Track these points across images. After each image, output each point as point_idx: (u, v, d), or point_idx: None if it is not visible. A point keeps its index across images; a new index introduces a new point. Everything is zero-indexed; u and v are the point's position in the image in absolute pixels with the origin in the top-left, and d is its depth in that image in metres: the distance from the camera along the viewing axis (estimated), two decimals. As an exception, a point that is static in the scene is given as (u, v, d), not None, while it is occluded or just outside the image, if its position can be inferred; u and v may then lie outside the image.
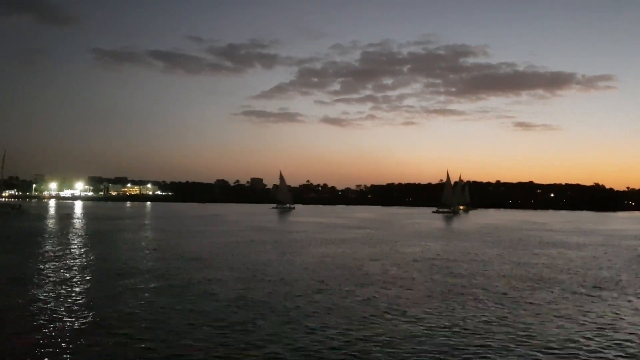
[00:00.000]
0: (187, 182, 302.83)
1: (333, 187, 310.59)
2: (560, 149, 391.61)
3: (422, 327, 16.34)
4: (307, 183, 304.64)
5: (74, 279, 23.83)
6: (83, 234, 50.68)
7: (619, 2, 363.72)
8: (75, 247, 38.09)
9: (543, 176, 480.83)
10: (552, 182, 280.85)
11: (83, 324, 15.97)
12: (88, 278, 24.30)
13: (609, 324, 17.27)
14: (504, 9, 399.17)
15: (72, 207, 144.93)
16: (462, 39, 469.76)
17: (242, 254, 35.64)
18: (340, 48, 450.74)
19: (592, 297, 22.00)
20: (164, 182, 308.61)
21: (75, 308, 18.02)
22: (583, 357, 13.81)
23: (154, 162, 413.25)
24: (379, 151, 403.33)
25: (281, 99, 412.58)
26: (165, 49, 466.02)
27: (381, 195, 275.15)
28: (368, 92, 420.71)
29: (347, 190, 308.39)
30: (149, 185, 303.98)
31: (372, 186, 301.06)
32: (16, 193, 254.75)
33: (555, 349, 14.40)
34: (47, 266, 27.75)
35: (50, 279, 23.81)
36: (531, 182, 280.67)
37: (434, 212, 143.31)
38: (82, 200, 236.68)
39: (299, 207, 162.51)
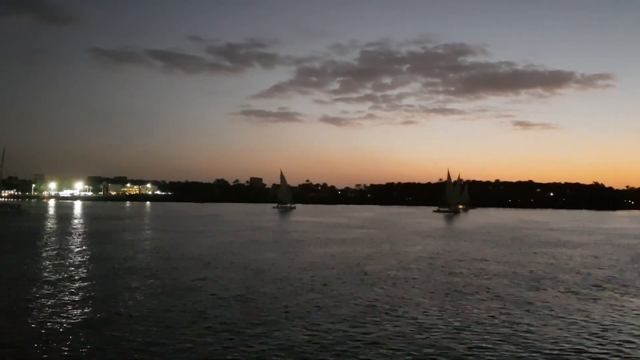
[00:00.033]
0: (186, 181, 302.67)
1: (332, 187, 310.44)
2: (559, 148, 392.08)
3: (424, 327, 16.27)
4: (306, 182, 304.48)
5: (74, 279, 23.73)
6: (82, 234, 50.56)
7: (618, 1, 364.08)
8: (75, 247, 37.99)
9: (542, 175, 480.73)
10: (551, 181, 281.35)
11: (83, 324, 15.88)
12: (88, 278, 24.20)
13: (613, 323, 17.22)
14: (502, 8, 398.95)
15: (71, 207, 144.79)
16: (461, 38, 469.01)
17: (243, 253, 35.55)
18: (339, 47, 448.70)
19: (595, 297, 21.93)
20: (163, 181, 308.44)
21: (75, 308, 17.93)
22: (587, 357, 13.72)
23: (154, 161, 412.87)
24: (379, 150, 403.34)
25: (280, 98, 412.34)
26: (164, 48, 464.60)
27: (381, 194, 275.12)
28: (367, 92, 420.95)
29: (347, 189, 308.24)
30: (148, 185, 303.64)
31: (372, 185, 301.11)
32: (16, 193, 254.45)
33: (559, 348, 14.32)
34: (46, 266, 27.65)
35: (50, 279, 23.72)
36: (530, 181, 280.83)
37: (435, 211, 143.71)
38: (81, 200, 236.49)
39: (298, 206, 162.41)
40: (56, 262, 29.43)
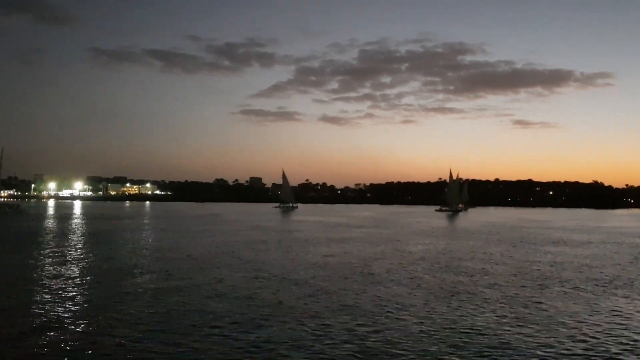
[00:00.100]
0: (186, 181, 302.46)
1: (332, 186, 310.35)
2: (559, 147, 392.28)
3: (428, 327, 16.12)
4: (306, 182, 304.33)
5: (74, 280, 23.56)
6: (82, 234, 50.40)
7: (618, 1, 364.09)
8: (74, 247, 37.82)
9: (542, 174, 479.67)
10: (550, 180, 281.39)
11: (83, 324, 15.73)
12: (88, 279, 24.03)
13: (621, 322, 17.06)
14: (501, 6, 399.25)
15: (71, 207, 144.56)
16: (460, 37, 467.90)
17: (245, 253, 35.39)
18: (338, 46, 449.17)
19: (601, 296, 21.79)
20: (162, 181, 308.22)
21: (75, 308, 17.78)
22: (593, 357, 13.60)
23: (153, 161, 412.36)
24: (378, 150, 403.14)
25: (279, 97, 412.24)
26: (163, 48, 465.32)
27: (380, 194, 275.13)
28: (366, 91, 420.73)
29: (346, 189, 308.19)
30: (148, 185, 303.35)
31: (371, 185, 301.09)
32: (15, 193, 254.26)
33: (563, 348, 14.19)
34: (45, 267, 27.47)
35: (49, 279, 23.54)
36: (530, 180, 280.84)
37: (437, 210, 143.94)
38: (81, 200, 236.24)
39: (298, 206, 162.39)
40: (56, 262, 29.26)
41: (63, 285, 21.98)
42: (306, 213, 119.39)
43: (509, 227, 75.28)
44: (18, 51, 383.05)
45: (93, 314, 17.02)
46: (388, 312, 18.13)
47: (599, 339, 15.18)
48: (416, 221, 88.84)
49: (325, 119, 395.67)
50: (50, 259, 30.40)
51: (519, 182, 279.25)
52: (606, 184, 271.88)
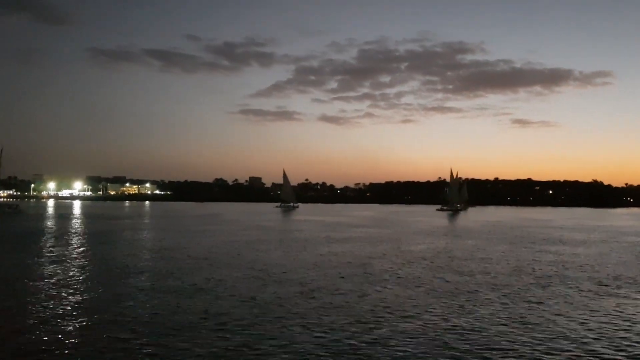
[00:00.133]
0: (185, 181, 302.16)
1: (332, 186, 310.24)
2: (558, 146, 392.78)
3: (430, 327, 16.03)
4: (305, 182, 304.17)
5: (74, 280, 23.45)
6: (82, 234, 50.29)
7: (616, 0, 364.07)
8: (74, 247, 37.71)
9: (541, 173, 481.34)
10: (550, 179, 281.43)
11: (84, 324, 15.62)
12: (88, 279, 23.93)
13: (622, 322, 16.97)
14: (500, 5, 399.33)
15: (70, 207, 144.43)
16: (459, 36, 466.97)
17: (246, 253, 35.30)
18: (337, 46, 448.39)
19: (604, 294, 21.70)
20: (162, 181, 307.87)
21: (75, 309, 17.66)
22: (597, 356, 13.52)
23: (152, 161, 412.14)
24: (377, 149, 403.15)
25: (278, 97, 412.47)
26: (162, 47, 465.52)
27: (380, 193, 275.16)
28: (365, 90, 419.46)
29: (346, 188, 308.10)
30: (147, 185, 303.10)
31: (371, 184, 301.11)
32: (15, 193, 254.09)
33: (567, 348, 14.10)
34: (45, 267, 27.36)
35: (48, 280, 23.41)
36: (529, 179, 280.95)
37: (438, 209, 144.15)
38: (80, 200, 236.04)
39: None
40: (55, 263, 29.14)
41: (62, 286, 21.86)
42: (306, 213, 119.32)
43: (509, 226, 75.23)
44: (17, 51, 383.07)
45: (93, 314, 16.91)
46: (390, 312, 18.03)
47: (602, 338, 15.09)
48: (416, 220, 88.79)
49: (325, 118, 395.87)
50: (50, 260, 30.28)
51: (518, 181, 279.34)
52: (605, 183, 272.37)
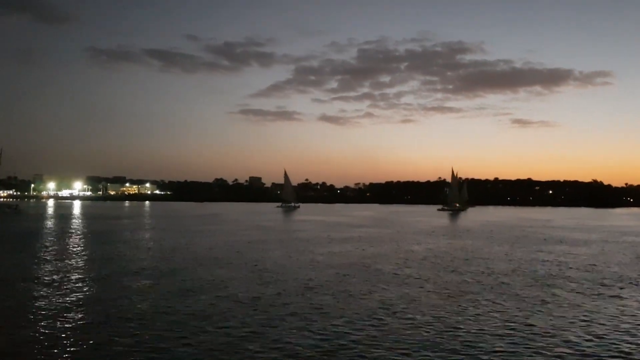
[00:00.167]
0: (185, 181, 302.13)
1: (332, 186, 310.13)
2: (558, 146, 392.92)
3: (433, 328, 15.93)
4: (305, 182, 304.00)
5: (74, 280, 23.33)
6: (82, 234, 50.17)
7: (616, 0, 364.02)
8: (74, 247, 37.61)
9: (541, 173, 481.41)
10: (550, 179, 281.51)
11: (85, 325, 15.50)
12: (88, 279, 23.80)
13: (627, 322, 16.87)
14: (500, 5, 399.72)
15: (70, 207, 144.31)
16: (459, 36, 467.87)
17: (247, 253, 35.18)
18: (337, 46, 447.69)
19: (608, 295, 21.58)
20: (162, 181, 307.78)
21: (76, 309, 17.54)
22: (602, 356, 13.43)
23: (152, 161, 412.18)
24: (377, 149, 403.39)
25: (278, 97, 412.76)
26: (161, 47, 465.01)
27: (380, 193, 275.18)
28: (365, 90, 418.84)
29: (346, 188, 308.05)
30: (147, 185, 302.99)
31: (371, 184, 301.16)
32: (15, 193, 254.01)
33: (571, 348, 14.00)
34: (45, 268, 27.24)
35: (49, 280, 23.29)
36: (529, 179, 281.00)
37: (439, 210, 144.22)
38: (80, 200, 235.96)
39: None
40: (55, 263, 29.04)
41: (62, 286, 21.75)
42: (307, 213, 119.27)
43: (510, 226, 75.17)
44: (17, 51, 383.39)
45: (93, 314, 16.80)
46: (392, 312, 17.92)
47: (607, 338, 14.99)
48: (417, 220, 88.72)
49: (325, 118, 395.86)
50: (49, 260, 30.17)
51: (518, 181, 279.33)
52: (605, 182, 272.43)
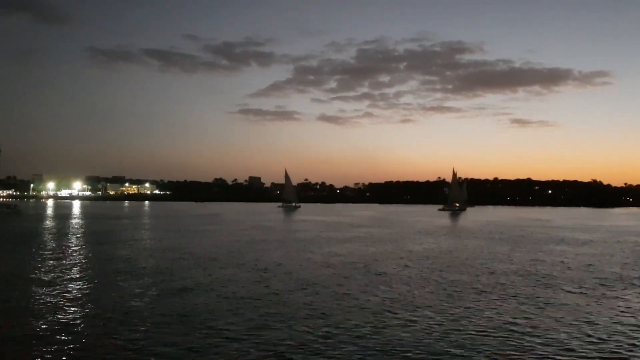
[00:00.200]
0: (185, 181, 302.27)
1: (331, 186, 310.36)
2: (557, 146, 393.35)
3: (436, 328, 15.83)
4: (305, 181, 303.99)
5: (74, 281, 23.19)
6: (81, 234, 50.05)
7: (616, 0, 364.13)
8: (74, 247, 37.48)
9: (540, 173, 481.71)
10: (549, 179, 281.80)
11: (84, 325, 15.40)
12: (88, 280, 23.66)
13: (631, 322, 16.78)
14: (500, 5, 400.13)
15: (70, 206, 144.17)
16: (458, 36, 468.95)
17: (248, 253, 35.09)
18: (336, 46, 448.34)
19: (608, 295, 21.48)
20: (161, 181, 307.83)
21: (76, 309, 17.43)
22: (605, 356, 13.35)
23: (152, 161, 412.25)
24: (377, 149, 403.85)
25: (278, 97, 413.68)
26: (161, 47, 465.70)
27: (379, 193, 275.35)
28: (365, 90, 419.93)
29: (345, 188, 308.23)
30: (146, 185, 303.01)
31: (370, 184, 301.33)
32: (14, 193, 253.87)
33: (574, 348, 13.93)
34: (43, 268, 27.09)
35: (47, 281, 23.14)
36: (529, 179, 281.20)
37: (440, 209, 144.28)
38: (80, 199, 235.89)
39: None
40: (54, 263, 28.91)
41: (62, 286, 21.62)
42: (307, 212, 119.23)
43: (510, 226, 75.13)
44: (15, 51, 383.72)
45: (93, 314, 16.70)
46: (395, 312, 17.84)
47: (610, 338, 14.91)
48: (417, 220, 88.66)
49: (324, 118, 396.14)
50: (49, 260, 30.03)
51: (517, 181, 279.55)
52: (605, 182, 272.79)
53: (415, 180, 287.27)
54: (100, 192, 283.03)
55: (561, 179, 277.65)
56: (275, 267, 28.24)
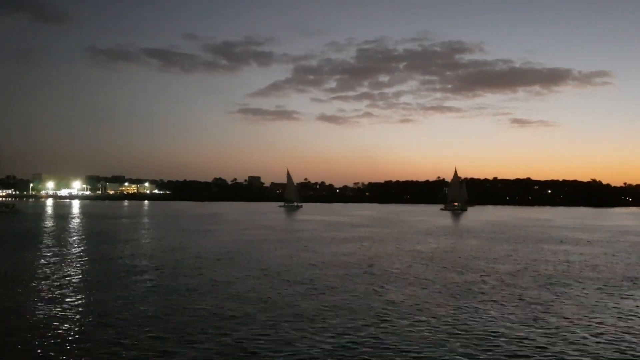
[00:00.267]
0: (184, 180, 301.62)
1: (331, 185, 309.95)
2: (557, 145, 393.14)
3: (439, 328, 15.73)
4: (304, 181, 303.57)
5: (74, 281, 23.08)
6: (81, 233, 49.92)
7: (616, 0, 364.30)
8: (73, 247, 37.36)
9: (540, 172, 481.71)
10: (549, 179, 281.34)
11: (84, 325, 15.27)
12: (87, 280, 23.55)
13: (634, 323, 16.68)
14: (500, 5, 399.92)
15: (69, 206, 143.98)
16: (458, 36, 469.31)
17: (250, 252, 34.97)
18: (336, 45, 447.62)
19: (611, 294, 21.36)
20: (161, 180, 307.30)
21: (74, 309, 17.31)
22: (608, 356, 13.27)
23: (151, 160, 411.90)
24: (376, 149, 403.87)
25: (277, 96, 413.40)
26: (160, 47, 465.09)
27: (379, 193, 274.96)
28: (364, 90, 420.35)
29: (345, 188, 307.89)
30: (146, 184, 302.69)
31: (370, 184, 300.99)
32: (13, 192, 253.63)
33: (578, 348, 13.82)
34: (43, 268, 26.97)
35: (46, 280, 23.02)
36: (528, 179, 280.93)
37: (442, 209, 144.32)
38: (79, 199, 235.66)
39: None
40: (53, 263, 28.78)
41: (61, 286, 21.51)
42: (307, 212, 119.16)
43: (511, 226, 75.05)
44: (16, 51, 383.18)
45: (93, 314, 16.57)
46: (397, 312, 17.72)
47: (613, 338, 14.81)
48: (417, 220, 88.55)
49: (324, 118, 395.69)
50: (48, 260, 29.92)
51: (517, 180, 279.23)
52: (604, 182, 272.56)
53: (414, 180, 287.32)
54: (99, 192, 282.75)
55: (561, 179, 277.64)
56: (277, 267, 28.12)
